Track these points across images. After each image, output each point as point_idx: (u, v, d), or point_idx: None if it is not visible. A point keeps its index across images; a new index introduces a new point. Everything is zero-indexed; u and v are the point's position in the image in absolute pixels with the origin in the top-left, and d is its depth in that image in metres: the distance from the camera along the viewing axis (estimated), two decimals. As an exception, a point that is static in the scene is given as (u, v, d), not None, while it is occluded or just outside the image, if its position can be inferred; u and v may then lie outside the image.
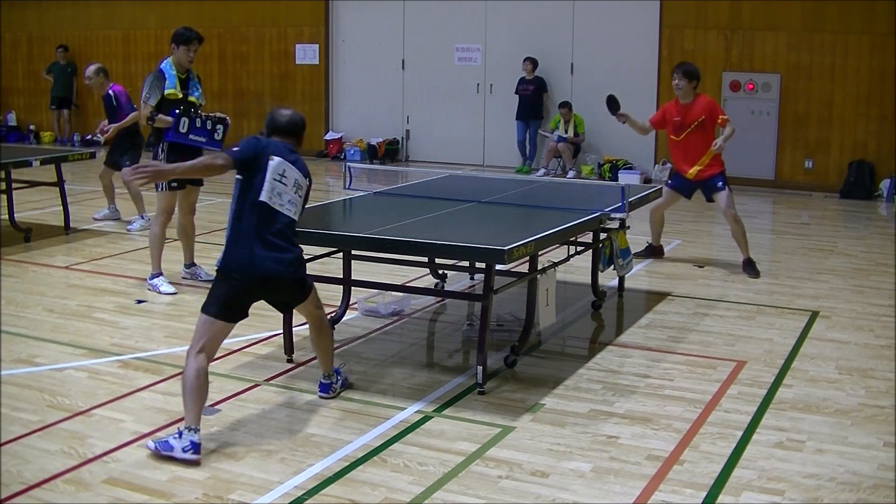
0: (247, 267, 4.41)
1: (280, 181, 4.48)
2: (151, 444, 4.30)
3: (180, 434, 4.25)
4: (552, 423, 4.74)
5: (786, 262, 8.64)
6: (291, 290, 4.68)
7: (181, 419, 4.70)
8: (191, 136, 6.94)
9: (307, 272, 4.75)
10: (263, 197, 4.43)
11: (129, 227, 9.72)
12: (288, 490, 3.98)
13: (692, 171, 8.12)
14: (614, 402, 5.04)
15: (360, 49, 16.03)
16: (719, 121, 8.00)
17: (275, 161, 4.48)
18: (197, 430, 4.26)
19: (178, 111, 6.90)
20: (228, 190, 4.88)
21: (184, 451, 4.21)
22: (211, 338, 4.42)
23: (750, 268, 8.05)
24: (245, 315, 4.56)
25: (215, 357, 5.65)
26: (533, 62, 14.26)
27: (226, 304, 4.43)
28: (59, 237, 9.26)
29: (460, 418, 4.80)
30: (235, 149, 4.50)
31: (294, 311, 5.00)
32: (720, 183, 8.08)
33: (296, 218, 4.60)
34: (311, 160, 16.13)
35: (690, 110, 7.95)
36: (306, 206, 4.81)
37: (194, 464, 4.19)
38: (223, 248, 4.52)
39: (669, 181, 8.57)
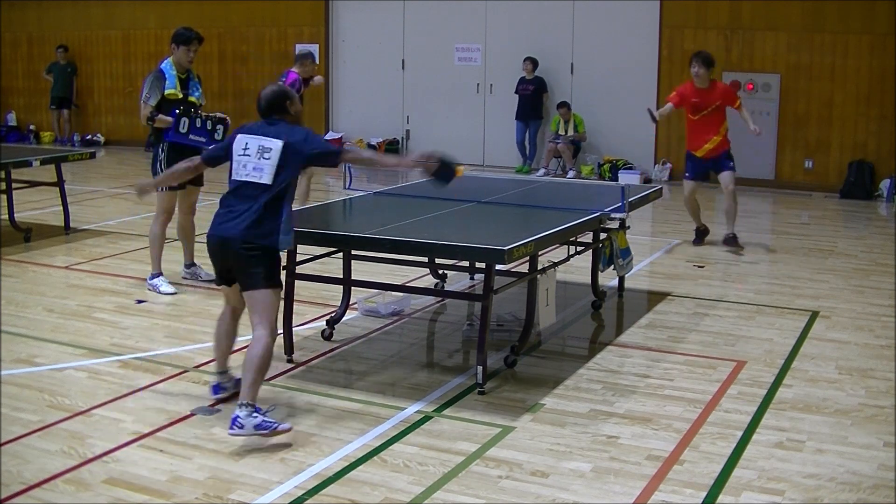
0: (214, 230, 4.69)
1: (244, 154, 4.68)
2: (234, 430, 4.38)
3: (254, 413, 4.40)
4: (552, 423, 4.74)
5: (786, 262, 8.64)
6: (239, 256, 4.56)
7: (181, 419, 4.71)
8: (191, 136, 6.95)
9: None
10: (233, 175, 4.71)
11: None
12: (288, 490, 3.98)
13: (703, 148, 8.98)
14: (614, 402, 5.04)
15: (360, 49, 16.03)
16: (737, 105, 8.97)
17: (237, 139, 4.75)
18: (256, 408, 4.45)
19: (177, 111, 6.90)
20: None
21: (274, 426, 4.43)
22: (227, 298, 4.90)
23: (732, 241, 8.84)
24: (232, 281, 4.76)
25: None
26: (533, 62, 14.26)
27: (216, 271, 4.84)
28: (59, 237, 9.26)
29: (460, 418, 4.80)
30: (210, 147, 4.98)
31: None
32: (731, 163, 9.05)
33: (264, 181, 4.60)
34: (311, 160, 16.15)
35: (709, 95, 8.82)
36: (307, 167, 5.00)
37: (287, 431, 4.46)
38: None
39: (687, 173, 9.25)
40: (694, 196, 9.21)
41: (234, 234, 4.56)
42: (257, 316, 4.58)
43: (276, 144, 4.64)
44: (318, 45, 16.23)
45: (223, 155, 4.85)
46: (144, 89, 7.02)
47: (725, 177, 9.02)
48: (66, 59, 18.08)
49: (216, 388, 4.96)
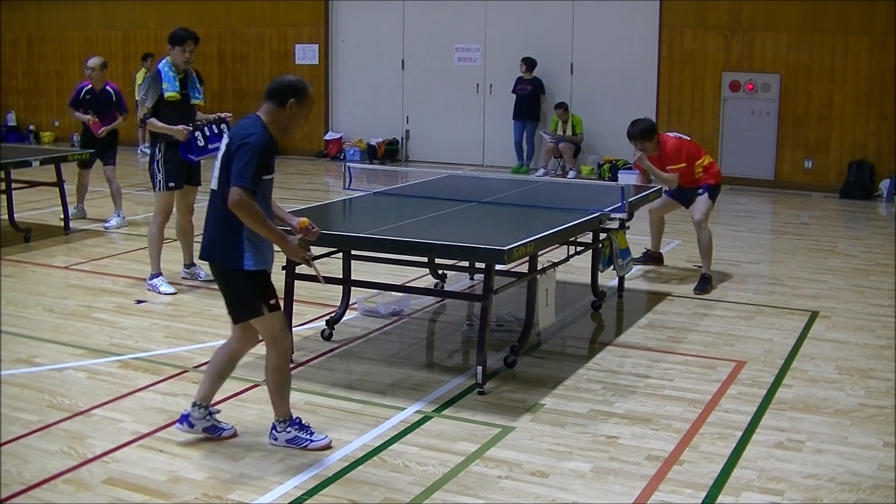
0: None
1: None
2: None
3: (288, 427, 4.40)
4: (552, 423, 4.74)
5: (786, 262, 8.64)
6: (221, 284, 4.31)
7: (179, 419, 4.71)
8: (210, 147, 6.81)
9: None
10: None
11: (105, 224, 9.83)
12: (288, 490, 3.98)
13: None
14: (614, 402, 5.04)
15: (360, 49, 16.03)
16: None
17: None
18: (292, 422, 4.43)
19: (190, 130, 6.76)
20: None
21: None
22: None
23: (703, 283, 7.49)
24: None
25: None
26: (529, 62, 14.21)
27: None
28: (58, 237, 9.26)
29: (460, 418, 4.80)
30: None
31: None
32: (703, 192, 7.69)
33: (214, 187, 4.18)
34: (311, 160, 16.18)
35: (663, 157, 7.53)
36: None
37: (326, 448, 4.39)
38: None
39: (666, 189, 7.85)
40: (662, 213, 8.13)
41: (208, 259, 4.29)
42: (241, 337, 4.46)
43: (225, 146, 4.22)
44: (317, 45, 16.24)
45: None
46: (142, 90, 7.01)
47: (699, 203, 7.70)
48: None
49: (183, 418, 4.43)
